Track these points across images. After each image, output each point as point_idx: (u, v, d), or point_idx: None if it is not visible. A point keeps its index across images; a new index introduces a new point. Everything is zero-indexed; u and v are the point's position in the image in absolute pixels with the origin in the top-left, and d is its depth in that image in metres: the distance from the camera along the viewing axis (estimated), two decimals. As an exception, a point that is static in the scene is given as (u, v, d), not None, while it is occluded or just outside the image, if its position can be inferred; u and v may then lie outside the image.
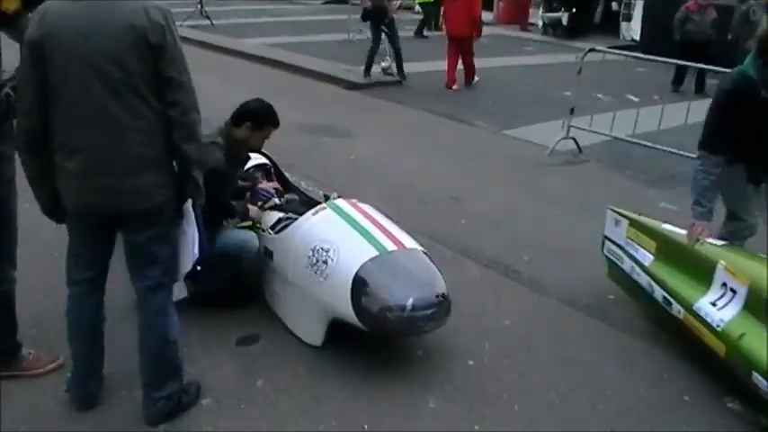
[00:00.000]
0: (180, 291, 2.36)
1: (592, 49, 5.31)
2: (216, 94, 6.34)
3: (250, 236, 2.49)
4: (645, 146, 5.05)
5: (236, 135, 2.44)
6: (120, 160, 1.64)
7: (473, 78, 7.91)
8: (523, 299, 2.99)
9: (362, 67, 7.59)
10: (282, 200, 2.87)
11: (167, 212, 1.79)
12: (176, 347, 1.95)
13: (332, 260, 2.22)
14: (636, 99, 6.93)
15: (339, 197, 2.65)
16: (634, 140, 5.17)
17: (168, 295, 1.91)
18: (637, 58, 6.10)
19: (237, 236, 2.48)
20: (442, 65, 7.86)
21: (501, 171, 4.92)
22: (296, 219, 2.57)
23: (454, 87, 7.65)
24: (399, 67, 7.66)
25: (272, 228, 2.68)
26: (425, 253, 2.38)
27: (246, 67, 8.28)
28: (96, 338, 1.93)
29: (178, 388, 1.97)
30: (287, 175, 3.25)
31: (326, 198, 2.69)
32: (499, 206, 4.17)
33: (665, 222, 2.66)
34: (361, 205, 2.59)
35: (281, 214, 2.73)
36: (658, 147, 4.95)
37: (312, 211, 2.51)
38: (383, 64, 7.81)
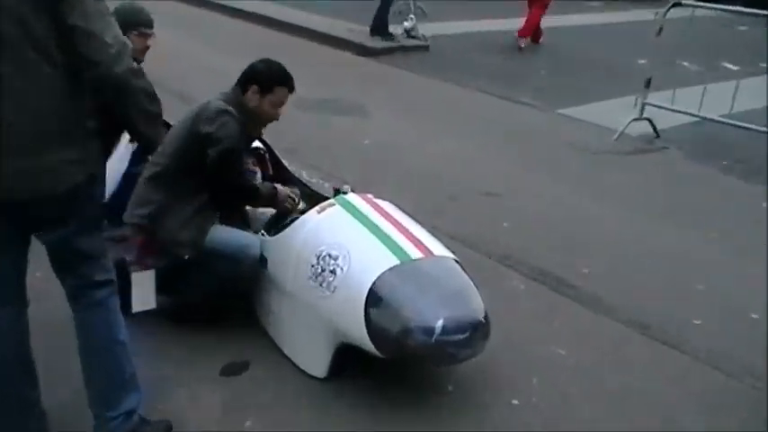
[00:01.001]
0: (145, 299, 2.40)
1: (677, 3, 5.14)
2: (192, 58, 6.39)
3: (253, 240, 2.52)
4: (745, 128, 4.90)
5: (249, 104, 2.49)
6: (22, 133, 1.57)
7: (529, 37, 8.07)
8: (582, 321, 2.99)
9: (376, 28, 7.65)
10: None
11: (87, 195, 1.74)
12: (127, 351, 1.93)
13: (341, 270, 2.23)
14: (734, 68, 6.81)
15: (351, 191, 2.67)
16: (730, 122, 4.97)
17: (112, 294, 1.90)
18: (738, 12, 5.59)
19: (240, 236, 2.51)
20: (479, 25, 7.89)
21: (554, 161, 4.91)
22: (296, 217, 2.58)
23: (523, 43, 7.85)
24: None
25: (266, 228, 2.71)
26: (458, 262, 2.38)
27: (233, 27, 8.40)
28: (25, 367, 1.85)
29: (136, 402, 1.94)
30: (285, 162, 3.28)
31: (335, 192, 2.69)
32: (551, 205, 4.17)
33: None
34: (378, 201, 2.60)
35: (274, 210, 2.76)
36: (763, 129, 4.84)
37: (317, 208, 2.52)
38: (406, 24, 7.83)
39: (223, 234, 2.48)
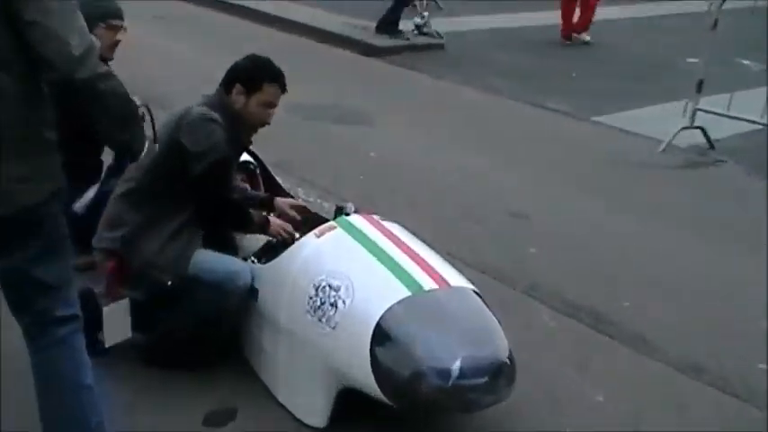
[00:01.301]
0: (120, 331, 2.43)
1: (735, -9, 5.20)
2: (174, 57, 6.49)
3: (242, 267, 2.54)
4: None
5: (235, 107, 2.54)
6: None
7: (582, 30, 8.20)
8: (623, 363, 2.99)
9: (384, 24, 7.77)
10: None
11: (48, 216, 1.73)
12: (93, 397, 1.92)
13: (343, 302, 2.25)
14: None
15: (355, 211, 2.70)
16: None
17: (77, 331, 1.90)
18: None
19: (227, 263, 2.54)
20: (503, 20, 7.99)
21: (590, 177, 4.95)
22: (292, 241, 2.61)
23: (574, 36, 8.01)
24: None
25: (258, 254, 2.74)
26: (478, 294, 2.40)
27: (224, 23, 8.54)
28: None
29: None
30: (278, 179, 3.33)
31: (337, 212, 2.72)
32: (586, 228, 4.19)
33: None
34: (385, 223, 2.62)
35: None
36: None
37: (315, 231, 2.54)
38: (417, 19, 7.95)
39: (208, 260, 2.51)
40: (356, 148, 5.10)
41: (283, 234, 2.66)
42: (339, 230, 2.53)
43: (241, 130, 2.58)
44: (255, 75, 2.53)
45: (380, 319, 2.18)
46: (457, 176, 4.76)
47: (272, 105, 2.58)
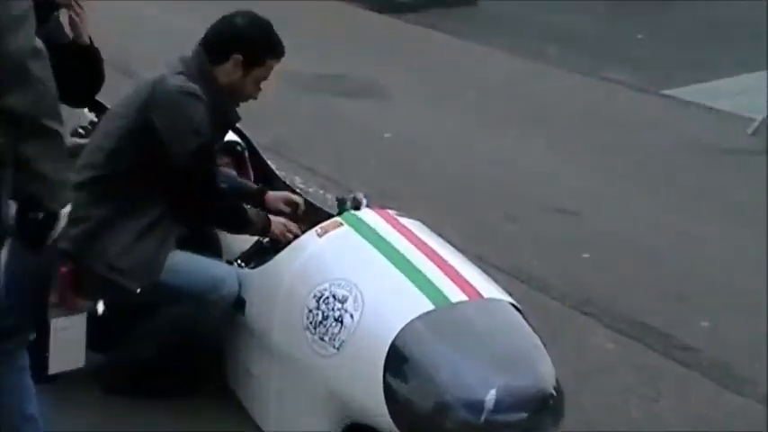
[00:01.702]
0: (70, 356, 2.42)
1: None
2: (149, 21, 6.49)
3: (227, 273, 2.55)
4: None
5: (221, 78, 2.54)
6: None
7: None
8: (700, 397, 2.97)
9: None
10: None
11: None
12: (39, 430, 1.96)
13: (351, 317, 2.25)
14: None
15: (366, 205, 2.70)
16: None
17: (18, 348, 1.94)
18: None
19: (209, 267, 2.54)
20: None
21: (658, 164, 4.93)
22: (288, 242, 2.60)
23: None
24: None
25: (245, 257, 2.75)
26: (517, 308, 2.39)
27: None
28: None
29: None
30: (271, 165, 3.33)
31: (341, 205, 2.71)
32: (653, 229, 4.17)
33: None
34: (403, 221, 2.62)
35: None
36: None
37: (317, 229, 2.55)
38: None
39: (185, 263, 2.52)
40: (367, 127, 5.10)
41: (288, 236, 2.65)
42: (346, 228, 2.53)
43: (227, 105, 2.59)
44: (261, 47, 2.55)
45: (396, 337, 2.18)
46: (491, 163, 4.74)
47: (266, 78, 2.61)
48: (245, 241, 2.85)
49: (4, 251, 1.85)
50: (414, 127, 5.17)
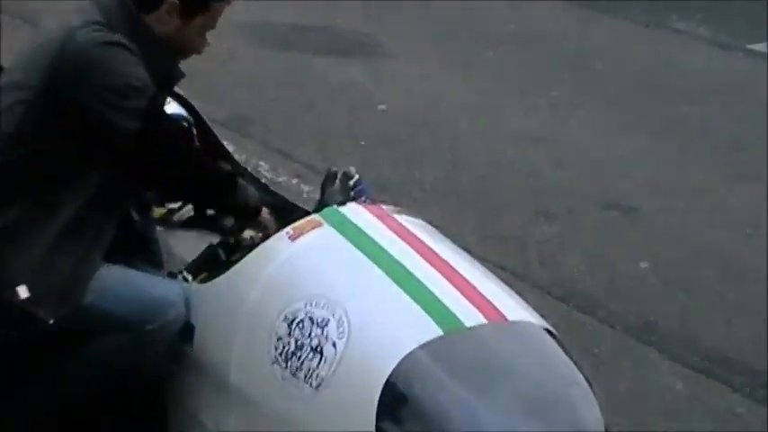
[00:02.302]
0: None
1: None
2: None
3: (170, 290, 2.55)
4: None
5: (158, 29, 2.51)
6: None
7: None
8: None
9: None
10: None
11: None
12: None
13: (333, 346, 2.25)
14: None
15: (353, 199, 2.68)
16: None
17: None
18: None
19: (147, 285, 2.54)
20: None
21: (743, 146, 4.97)
22: (251, 246, 2.64)
23: None
24: None
25: (194, 266, 2.74)
26: (552, 334, 2.38)
27: None
28: None
29: None
30: (228, 146, 3.31)
31: (322, 199, 2.70)
32: (737, 232, 4.20)
33: None
34: (402, 219, 2.62)
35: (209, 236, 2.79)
36: None
37: (288, 229, 2.51)
38: None
39: (116, 280, 2.51)
40: (356, 96, 5.12)
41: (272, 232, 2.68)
42: (326, 229, 2.52)
43: (165, 59, 2.60)
44: None
45: (393, 373, 2.15)
46: (519, 144, 4.77)
47: (211, 29, 2.60)
48: (192, 245, 2.86)
49: None
50: (417, 96, 5.18)
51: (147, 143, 2.46)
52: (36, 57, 2.48)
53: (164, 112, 2.66)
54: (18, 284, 2.42)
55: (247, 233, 2.80)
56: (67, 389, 2.56)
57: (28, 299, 2.38)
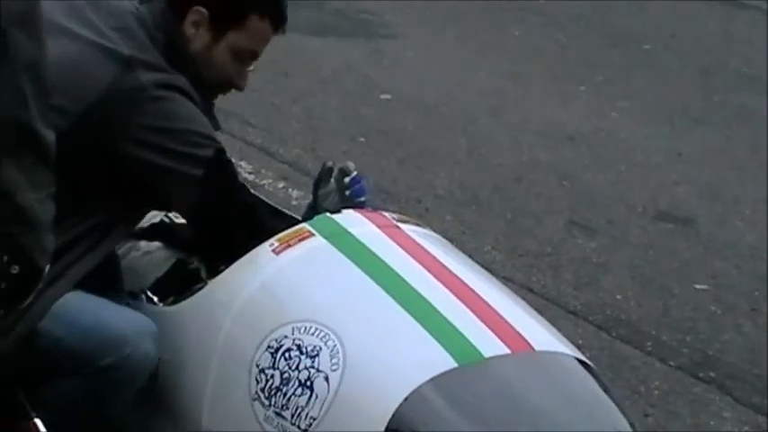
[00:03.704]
0: None
1: None
2: None
3: (144, 320, 2.54)
4: None
5: (191, 46, 2.52)
6: None
7: None
8: None
9: None
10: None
11: None
12: None
13: (326, 381, 2.25)
14: None
15: (351, 206, 2.67)
16: None
17: None
18: None
19: (119, 312, 2.55)
20: None
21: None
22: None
23: None
24: None
25: (159, 287, 2.81)
26: (589, 367, 2.40)
27: None
28: None
29: None
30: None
31: (314, 205, 2.73)
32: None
33: None
34: (410, 230, 2.64)
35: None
36: None
37: (273, 241, 2.51)
38: None
39: (73, 305, 2.52)
40: (354, 84, 5.16)
41: None
42: (318, 241, 2.53)
43: (205, 95, 2.62)
44: None
45: (397, 412, 2.17)
46: (551, 140, 4.79)
47: (253, 56, 2.66)
48: (159, 261, 2.88)
49: None
50: (427, 83, 5.21)
51: (223, 200, 2.56)
52: (79, 81, 2.46)
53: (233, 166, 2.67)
54: None
55: None
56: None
57: None
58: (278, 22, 2.64)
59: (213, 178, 2.52)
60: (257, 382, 2.36)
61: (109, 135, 2.46)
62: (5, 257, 1.87)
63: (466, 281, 2.52)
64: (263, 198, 3.05)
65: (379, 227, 2.62)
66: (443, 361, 2.26)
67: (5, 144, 1.86)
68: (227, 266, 2.61)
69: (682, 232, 4.29)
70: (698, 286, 3.94)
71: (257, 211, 2.69)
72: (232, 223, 2.62)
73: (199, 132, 2.48)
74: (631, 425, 2.35)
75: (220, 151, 2.49)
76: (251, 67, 2.69)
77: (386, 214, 2.69)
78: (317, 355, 2.32)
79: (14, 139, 1.87)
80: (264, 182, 4.03)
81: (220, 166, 2.51)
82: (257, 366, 2.37)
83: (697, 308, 3.82)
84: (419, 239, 2.64)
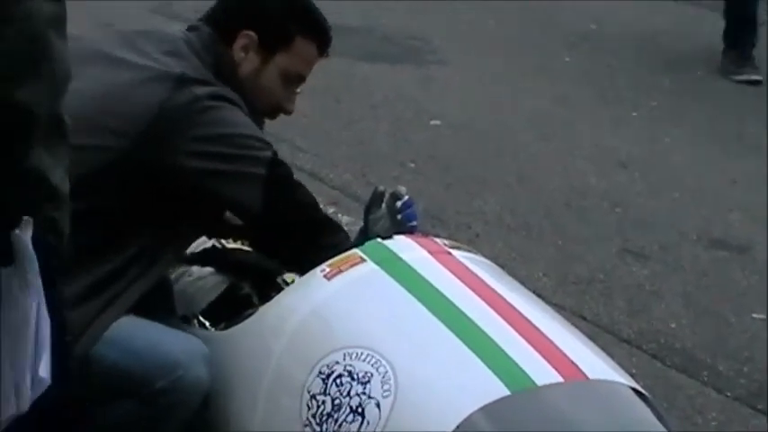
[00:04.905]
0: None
1: None
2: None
3: (196, 343, 2.57)
4: None
5: (240, 70, 2.61)
6: None
7: None
8: None
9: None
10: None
11: None
12: None
13: (377, 407, 2.27)
14: None
15: (402, 231, 2.69)
16: None
17: None
18: None
19: (172, 335, 2.59)
20: None
21: None
22: (280, 287, 2.69)
23: None
24: None
25: (210, 312, 2.85)
26: (643, 396, 2.38)
27: None
28: None
29: None
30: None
31: (366, 229, 2.75)
32: None
33: None
34: (463, 257, 2.66)
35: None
36: None
37: (324, 266, 2.52)
38: None
39: (126, 330, 2.55)
40: (406, 109, 5.16)
41: None
42: (369, 266, 2.55)
43: (257, 114, 2.66)
44: (279, 12, 2.65)
45: None
46: (601, 165, 4.78)
47: (300, 79, 2.69)
48: (210, 288, 2.89)
49: None
50: (476, 109, 5.22)
51: (276, 195, 2.57)
52: (134, 102, 2.52)
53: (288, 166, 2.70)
54: None
55: (288, 276, 2.85)
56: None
57: None
58: (323, 43, 2.69)
59: (276, 177, 2.56)
60: (308, 408, 2.37)
61: (168, 152, 2.50)
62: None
63: (517, 307, 2.52)
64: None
65: (430, 252, 2.63)
66: (495, 389, 2.26)
67: (41, 133, 1.90)
68: (278, 292, 2.64)
69: (737, 260, 4.27)
70: (755, 315, 3.91)
71: (317, 209, 2.73)
72: (296, 221, 2.64)
73: (254, 136, 2.53)
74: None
75: (276, 153, 2.54)
76: (299, 90, 2.71)
77: (437, 240, 2.70)
78: (369, 381, 2.32)
79: (48, 127, 1.90)
80: (322, 206, 4.04)
81: (280, 165, 2.55)
82: (308, 392, 2.37)
83: (754, 337, 3.80)
84: (470, 265, 2.65)
